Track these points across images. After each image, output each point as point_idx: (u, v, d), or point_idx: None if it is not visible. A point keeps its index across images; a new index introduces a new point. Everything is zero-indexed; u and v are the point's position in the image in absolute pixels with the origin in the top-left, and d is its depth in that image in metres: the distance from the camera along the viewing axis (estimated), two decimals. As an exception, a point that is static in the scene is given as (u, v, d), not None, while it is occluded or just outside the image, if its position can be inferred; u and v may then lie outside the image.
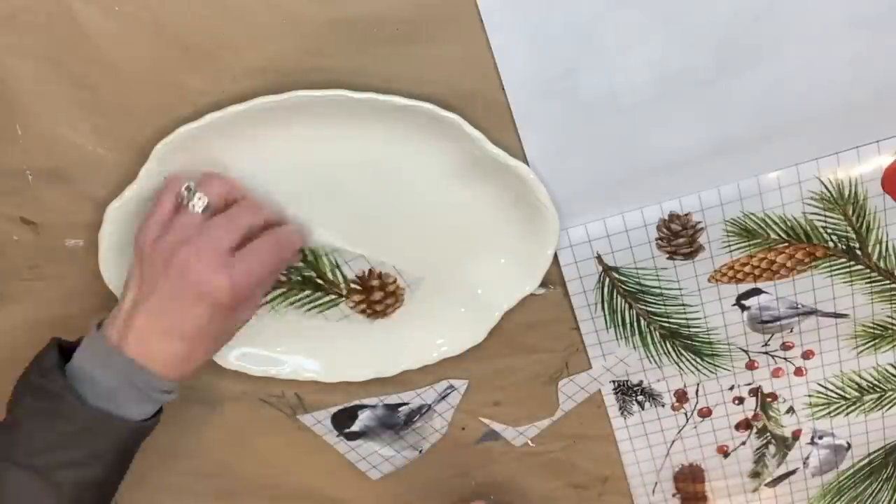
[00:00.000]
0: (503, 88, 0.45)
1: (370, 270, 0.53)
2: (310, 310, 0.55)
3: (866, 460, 0.65)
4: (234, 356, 0.56)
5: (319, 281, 0.53)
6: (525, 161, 0.48)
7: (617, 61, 0.45)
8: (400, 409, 0.59)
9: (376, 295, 0.54)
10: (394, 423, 0.59)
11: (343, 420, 0.60)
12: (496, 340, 0.56)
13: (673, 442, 0.63)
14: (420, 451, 0.61)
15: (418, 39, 0.43)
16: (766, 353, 0.58)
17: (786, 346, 0.58)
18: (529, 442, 0.65)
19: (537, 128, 0.47)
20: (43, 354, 0.45)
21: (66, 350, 0.45)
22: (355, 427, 0.60)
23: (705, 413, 0.62)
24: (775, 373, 0.59)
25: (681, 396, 0.60)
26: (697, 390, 0.60)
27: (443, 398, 0.59)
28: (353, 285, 0.54)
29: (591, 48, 0.44)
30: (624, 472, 0.66)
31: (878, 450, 0.64)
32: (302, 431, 0.63)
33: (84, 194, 0.48)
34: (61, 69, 0.43)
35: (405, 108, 0.44)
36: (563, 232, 0.51)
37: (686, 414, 0.62)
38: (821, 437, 0.63)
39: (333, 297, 0.54)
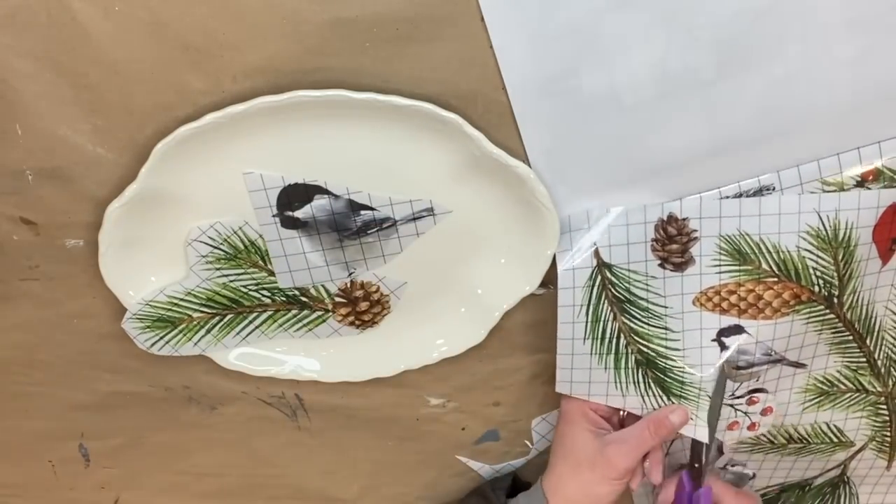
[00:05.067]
0: (503, 88, 0.45)
1: (352, 282, 0.53)
2: (298, 329, 0.55)
3: (762, 492, 0.66)
4: (233, 356, 0.56)
5: (304, 298, 0.53)
6: (525, 161, 0.48)
7: (618, 61, 0.45)
8: (361, 212, 0.50)
9: (362, 305, 0.54)
10: (346, 225, 0.50)
11: (295, 196, 0.49)
12: (496, 340, 0.56)
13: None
14: (350, 273, 0.53)
15: (418, 39, 0.43)
16: (731, 406, 0.56)
17: (751, 402, 0.57)
18: (528, 443, 0.65)
19: (538, 127, 0.47)
20: (497, 482, 0.61)
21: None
22: (300, 213, 0.50)
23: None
24: (731, 426, 0.58)
25: None
26: None
27: (414, 219, 0.51)
28: (337, 299, 0.54)
29: (593, 48, 0.44)
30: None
31: (776, 485, 0.66)
32: (302, 432, 0.63)
33: (84, 194, 0.48)
34: (61, 69, 0.43)
35: (405, 108, 0.44)
36: (564, 217, 0.51)
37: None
38: (733, 465, 0.64)
39: (320, 313, 0.54)
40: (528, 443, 0.65)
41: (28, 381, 0.58)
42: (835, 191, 0.50)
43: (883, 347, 0.57)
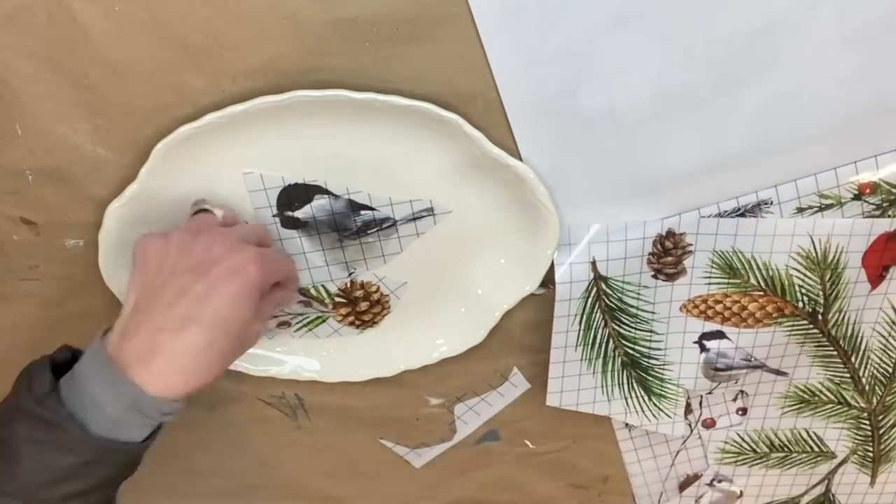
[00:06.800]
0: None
1: (352, 282, 0.53)
2: (298, 329, 0.55)
3: None
4: (234, 356, 0.56)
5: (304, 298, 0.53)
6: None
7: (615, 81, 0.45)
8: (361, 212, 0.50)
9: (362, 305, 0.54)
10: (346, 225, 0.50)
11: (295, 196, 0.48)
12: (496, 340, 0.56)
13: (677, 453, 0.64)
14: (350, 273, 0.52)
15: (418, 39, 0.43)
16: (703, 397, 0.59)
17: (707, 423, 0.61)
18: (528, 443, 0.65)
19: (538, 146, 0.47)
20: (34, 376, 0.40)
21: (58, 363, 0.42)
22: (300, 213, 0.49)
23: (709, 424, 0.62)
24: (706, 423, 0.62)
25: (685, 407, 0.60)
26: (701, 402, 0.61)
27: (414, 219, 0.50)
28: (337, 299, 0.54)
29: (590, 69, 0.44)
30: (625, 471, 0.66)
31: None
32: (302, 431, 0.63)
33: (84, 194, 0.48)
34: (61, 69, 0.43)
35: (405, 108, 0.44)
36: (565, 229, 0.51)
37: (690, 425, 0.62)
38: (720, 481, 0.65)
39: (320, 313, 0.54)
40: (528, 443, 0.65)
41: (28, 381, 0.58)
42: (832, 205, 0.50)
43: (869, 366, 0.58)
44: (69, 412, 0.39)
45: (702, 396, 0.60)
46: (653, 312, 0.55)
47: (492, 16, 0.42)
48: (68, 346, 0.43)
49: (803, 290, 0.53)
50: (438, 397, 0.61)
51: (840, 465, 0.64)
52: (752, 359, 0.56)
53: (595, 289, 0.53)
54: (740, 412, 0.61)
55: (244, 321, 0.41)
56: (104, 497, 0.41)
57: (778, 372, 0.58)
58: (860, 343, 0.57)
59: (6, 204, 0.48)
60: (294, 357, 0.57)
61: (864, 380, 0.59)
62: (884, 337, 0.57)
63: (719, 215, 0.51)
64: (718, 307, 0.54)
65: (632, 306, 0.54)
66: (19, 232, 0.50)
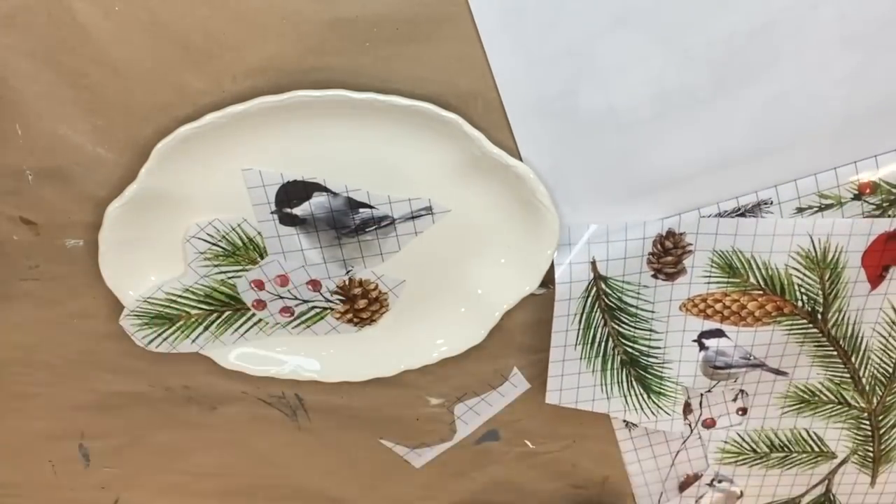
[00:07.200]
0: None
1: (350, 279, 0.53)
2: (296, 327, 0.55)
3: None
4: (233, 356, 0.56)
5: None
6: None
7: (615, 82, 0.45)
8: (360, 210, 0.50)
9: (360, 303, 0.54)
10: (344, 223, 0.50)
11: (294, 193, 0.49)
12: (496, 340, 0.56)
13: (677, 453, 0.64)
14: (348, 271, 0.53)
15: (418, 39, 0.43)
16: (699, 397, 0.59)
17: (707, 423, 0.62)
18: (528, 442, 0.65)
19: (538, 147, 0.47)
20: None
21: None
22: (299, 210, 0.49)
23: (709, 424, 0.62)
24: (706, 423, 0.62)
25: (685, 408, 0.60)
26: (701, 401, 0.61)
27: (413, 218, 0.50)
28: (335, 296, 0.54)
29: (590, 68, 0.44)
30: (625, 471, 0.66)
31: None
32: (302, 432, 0.63)
33: (84, 194, 0.48)
34: (61, 69, 0.43)
35: (405, 108, 0.44)
36: (565, 229, 0.51)
37: (690, 425, 0.62)
38: (720, 482, 0.66)
39: (318, 310, 0.54)
40: (528, 442, 0.65)
41: (28, 381, 0.58)
42: (832, 205, 0.51)
43: (869, 366, 0.58)
44: None
45: (702, 396, 0.60)
46: (652, 311, 0.55)
47: (492, 16, 0.42)
48: None
49: (803, 290, 0.53)
50: (438, 397, 0.61)
51: (840, 465, 0.64)
52: (751, 357, 0.56)
53: (595, 288, 0.53)
54: (740, 412, 0.61)
55: None
56: None
57: (777, 371, 0.58)
58: (860, 343, 0.57)
59: (6, 204, 0.48)
60: (294, 357, 0.57)
61: (864, 380, 0.59)
62: (884, 337, 0.57)
63: (719, 215, 0.51)
64: (718, 306, 0.54)
65: (631, 305, 0.55)
66: (19, 232, 0.50)
